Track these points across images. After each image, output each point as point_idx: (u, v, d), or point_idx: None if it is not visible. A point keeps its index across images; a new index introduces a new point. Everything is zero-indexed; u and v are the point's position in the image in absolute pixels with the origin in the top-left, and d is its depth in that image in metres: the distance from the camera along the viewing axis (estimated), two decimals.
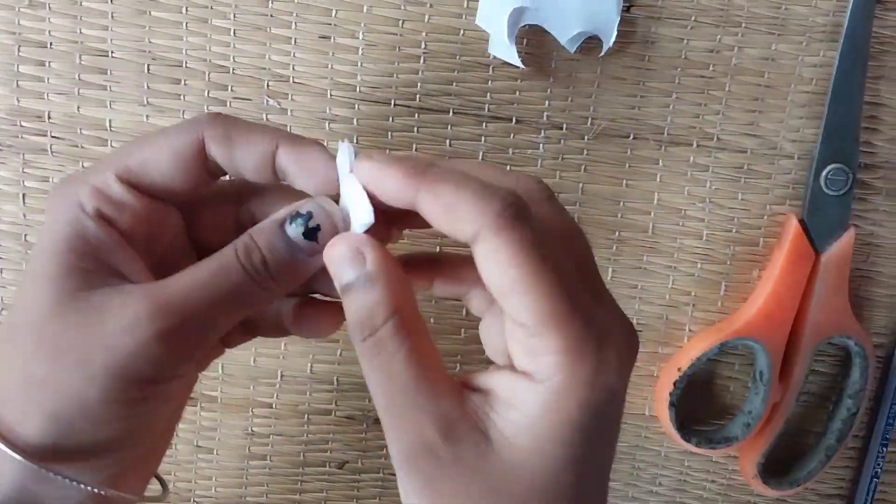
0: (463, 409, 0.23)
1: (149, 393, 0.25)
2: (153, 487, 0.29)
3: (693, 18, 0.37)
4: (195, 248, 0.29)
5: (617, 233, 0.39)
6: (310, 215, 0.25)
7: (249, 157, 0.26)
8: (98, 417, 0.24)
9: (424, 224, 0.24)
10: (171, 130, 0.26)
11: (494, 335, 0.27)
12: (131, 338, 0.23)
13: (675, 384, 0.39)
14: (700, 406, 0.41)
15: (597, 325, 0.23)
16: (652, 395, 0.41)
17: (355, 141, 0.37)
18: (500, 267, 0.22)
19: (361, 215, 0.24)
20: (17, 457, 0.24)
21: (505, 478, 0.23)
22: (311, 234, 0.25)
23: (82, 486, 0.25)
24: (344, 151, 0.25)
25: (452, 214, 0.22)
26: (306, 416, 0.41)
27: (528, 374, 0.23)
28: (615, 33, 0.36)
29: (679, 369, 0.39)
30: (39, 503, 0.25)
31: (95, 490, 0.25)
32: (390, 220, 0.26)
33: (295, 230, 0.25)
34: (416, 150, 0.38)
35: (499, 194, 0.22)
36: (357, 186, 0.24)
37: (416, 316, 0.24)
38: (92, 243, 0.25)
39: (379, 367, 0.23)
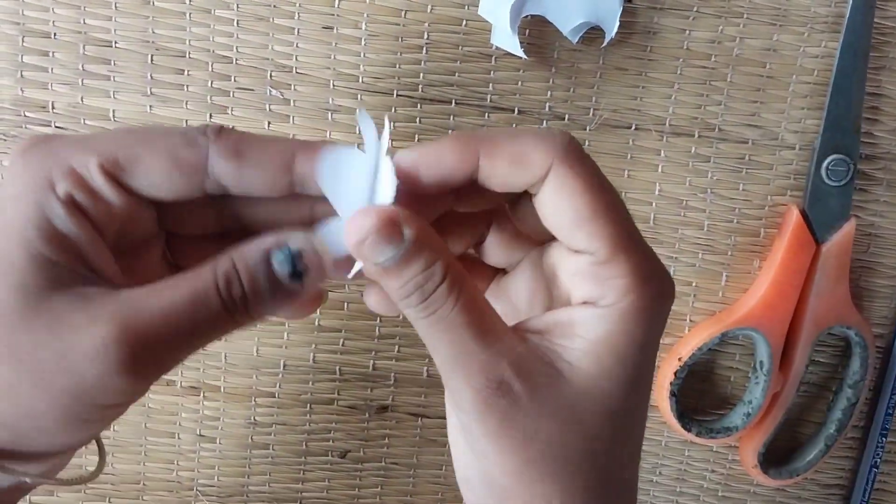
0: (528, 347, 0.24)
1: (107, 415, 0.24)
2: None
3: (695, 9, 0.37)
4: (166, 234, 0.27)
5: None
6: (299, 254, 0.23)
7: (263, 171, 0.24)
8: (52, 433, 0.23)
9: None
10: (174, 136, 0.24)
11: (502, 303, 0.28)
12: (96, 367, 0.22)
13: (675, 374, 0.39)
14: (700, 396, 0.42)
15: (654, 253, 0.24)
16: (653, 385, 0.41)
17: (356, 133, 0.37)
18: (572, 197, 0.23)
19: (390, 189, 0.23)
20: None
21: (577, 407, 0.23)
22: (299, 275, 0.24)
23: (23, 479, 0.24)
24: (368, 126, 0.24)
25: (519, 160, 0.23)
26: (309, 405, 0.41)
27: (590, 303, 0.23)
28: (617, 24, 0.36)
29: (680, 359, 0.39)
30: None
31: (28, 480, 0.24)
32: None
33: (282, 269, 0.23)
34: (418, 140, 0.38)
35: (557, 133, 0.23)
36: (387, 163, 0.24)
37: (461, 267, 0.24)
38: (62, 232, 0.23)
39: (440, 322, 0.23)
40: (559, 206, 0.23)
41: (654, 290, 0.23)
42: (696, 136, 0.38)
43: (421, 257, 0.22)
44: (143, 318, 0.22)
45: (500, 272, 0.29)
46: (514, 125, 0.38)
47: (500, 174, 0.23)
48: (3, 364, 0.22)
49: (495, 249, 0.28)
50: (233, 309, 0.23)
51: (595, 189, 0.23)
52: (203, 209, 0.26)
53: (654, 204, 0.39)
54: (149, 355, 0.22)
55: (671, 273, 0.39)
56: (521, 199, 0.26)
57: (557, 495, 0.23)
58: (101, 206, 0.24)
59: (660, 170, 0.39)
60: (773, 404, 0.40)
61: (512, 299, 0.28)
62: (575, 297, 0.24)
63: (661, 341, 0.25)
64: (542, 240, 0.27)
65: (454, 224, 0.27)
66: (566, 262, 0.24)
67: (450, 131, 0.38)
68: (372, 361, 0.40)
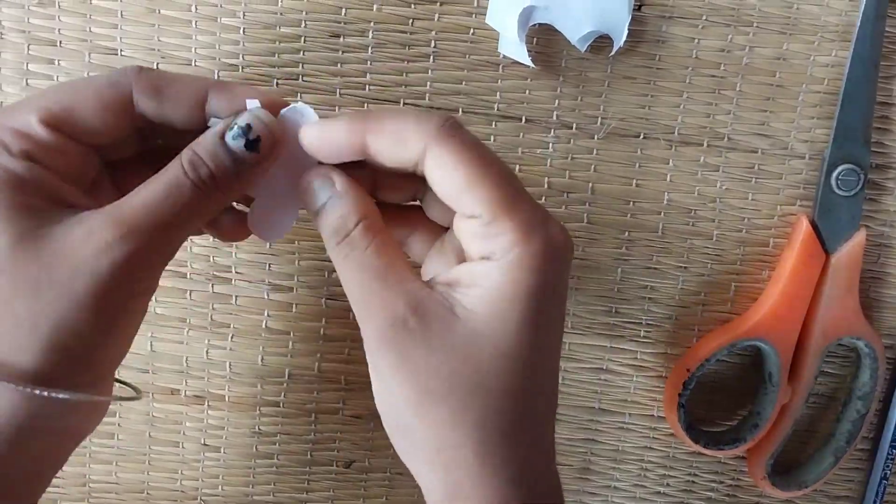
0: (429, 291, 0.27)
1: (128, 307, 0.27)
2: None
3: (704, 18, 0.37)
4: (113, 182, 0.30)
5: (627, 233, 0.39)
6: (248, 127, 0.27)
7: (179, 105, 0.28)
8: (89, 338, 0.26)
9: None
10: (97, 81, 0.28)
11: (445, 258, 0.30)
12: (107, 261, 0.25)
13: (684, 385, 0.39)
14: (709, 407, 0.41)
15: (541, 210, 0.27)
16: (660, 396, 0.41)
17: None
18: (450, 170, 0.26)
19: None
20: (21, 388, 0.25)
21: (469, 344, 0.26)
22: (253, 144, 0.27)
23: (69, 396, 0.26)
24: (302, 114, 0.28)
25: (400, 139, 0.26)
26: (314, 414, 0.41)
27: (485, 258, 0.26)
28: (626, 32, 0.36)
29: (688, 370, 0.39)
30: (34, 423, 0.26)
31: (79, 398, 0.26)
32: None
33: (237, 143, 0.27)
34: None
35: (435, 114, 0.26)
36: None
37: (381, 222, 0.28)
38: (29, 181, 0.26)
39: (353, 262, 0.27)
40: (440, 180, 0.26)
41: (538, 242, 0.26)
42: (705, 145, 0.38)
43: (341, 206, 0.27)
44: (135, 213, 0.26)
45: (446, 229, 0.31)
46: (521, 134, 0.37)
47: (384, 153, 0.27)
48: (24, 296, 0.25)
49: (434, 207, 0.30)
50: (204, 187, 0.27)
51: (469, 161, 0.26)
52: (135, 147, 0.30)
53: (662, 213, 0.39)
54: (147, 241, 0.26)
55: (679, 285, 0.39)
56: None
57: (449, 422, 0.25)
58: (51, 155, 0.27)
59: (668, 179, 0.38)
60: (781, 415, 0.40)
61: (448, 254, 0.30)
62: (474, 254, 0.27)
63: (566, 294, 0.28)
64: None
65: (390, 178, 0.30)
66: (463, 225, 0.27)
67: None
68: None
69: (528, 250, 0.26)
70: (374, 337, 0.26)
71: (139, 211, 0.26)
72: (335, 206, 0.27)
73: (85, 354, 0.26)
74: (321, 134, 0.27)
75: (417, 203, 0.31)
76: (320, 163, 0.28)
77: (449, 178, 0.26)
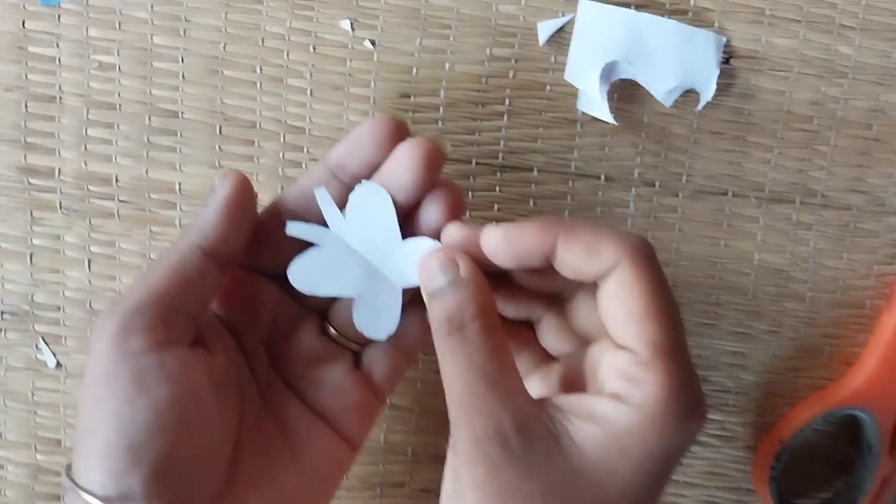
0: (538, 412, 0.24)
1: (149, 381, 0.25)
2: None
3: (795, 70, 0.35)
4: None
5: (714, 296, 0.36)
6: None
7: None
8: (138, 440, 0.24)
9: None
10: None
11: (548, 385, 0.29)
12: (105, 337, 0.25)
13: (776, 457, 0.36)
14: (802, 479, 0.39)
15: (692, 365, 0.25)
16: (749, 468, 0.38)
17: None
18: (630, 295, 0.24)
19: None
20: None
21: (568, 482, 0.23)
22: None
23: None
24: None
25: (594, 250, 0.24)
26: (378, 488, 0.39)
27: (617, 397, 0.24)
28: (714, 87, 0.34)
29: (780, 441, 0.36)
30: None
31: None
32: None
33: None
34: (497, 209, 0.36)
35: (633, 235, 0.25)
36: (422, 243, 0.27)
37: (499, 324, 0.26)
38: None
39: (463, 358, 0.25)
40: (616, 300, 0.24)
41: (684, 402, 0.24)
42: (797, 202, 0.36)
43: (461, 294, 0.25)
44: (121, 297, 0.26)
45: (554, 359, 0.30)
46: (600, 193, 0.35)
47: (573, 261, 0.25)
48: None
49: (550, 334, 0.29)
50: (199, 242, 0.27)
51: (652, 293, 0.24)
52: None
53: (752, 275, 0.36)
54: (132, 316, 0.25)
55: (770, 350, 0.37)
56: (576, 297, 0.28)
57: None
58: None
59: (758, 238, 0.36)
60: (882, 489, 0.37)
61: (553, 384, 0.29)
62: (606, 389, 0.25)
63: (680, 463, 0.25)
64: (588, 339, 0.28)
65: (516, 292, 0.29)
66: (609, 355, 0.25)
67: (531, 200, 0.35)
68: (446, 443, 0.38)
69: (672, 408, 0.23)
70: (468, 444, 0.24)
71: (125, 293, 0.26)
72: (455, 292, 0.25)
73: (134, 450, 0.24)
74: (508, 236, 0.25)
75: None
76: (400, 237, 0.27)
77: (626, 301, 0.24)
